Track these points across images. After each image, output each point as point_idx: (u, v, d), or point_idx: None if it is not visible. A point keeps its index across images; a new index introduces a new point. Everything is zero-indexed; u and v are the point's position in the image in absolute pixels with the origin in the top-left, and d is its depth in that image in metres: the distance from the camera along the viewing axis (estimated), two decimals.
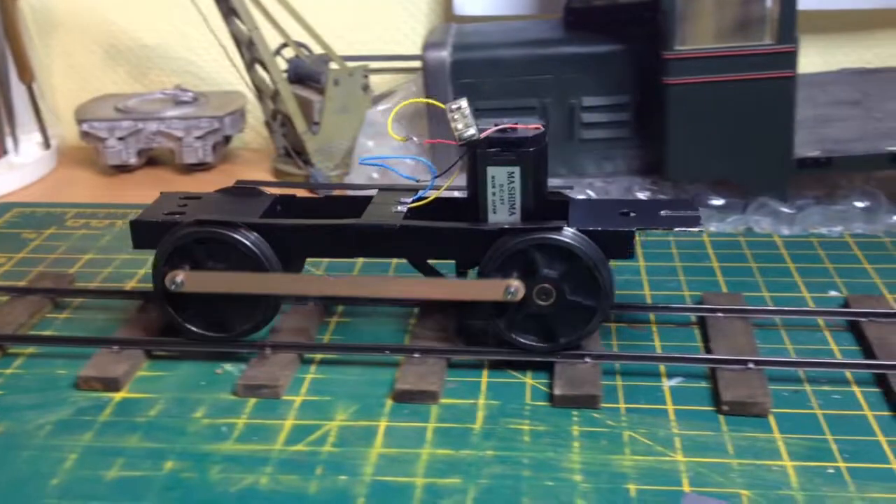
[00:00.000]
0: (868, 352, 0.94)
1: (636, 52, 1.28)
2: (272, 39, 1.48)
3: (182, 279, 0.94)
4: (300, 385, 0.92)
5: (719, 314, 1.00)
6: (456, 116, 0.89)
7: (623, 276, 1.14)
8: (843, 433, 0.83)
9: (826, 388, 0.90)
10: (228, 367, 0.95)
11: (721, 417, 0.86)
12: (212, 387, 0.92)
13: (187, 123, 1.53)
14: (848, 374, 0.91)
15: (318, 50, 1.52)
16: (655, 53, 1.22)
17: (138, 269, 1.18)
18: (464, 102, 0.89)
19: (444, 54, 1.33)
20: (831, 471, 0.78)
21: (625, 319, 1.03)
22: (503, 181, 0.92)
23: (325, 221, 0.96)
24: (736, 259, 1.17)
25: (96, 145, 1.54)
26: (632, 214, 0.95)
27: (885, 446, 0.81)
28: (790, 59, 1.18)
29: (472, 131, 0.90)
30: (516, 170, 0.91)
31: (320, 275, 0.96)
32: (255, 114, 1.61)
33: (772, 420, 0.85)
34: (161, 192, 1.05)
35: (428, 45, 1.34)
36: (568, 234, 0.91)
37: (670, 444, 0.83)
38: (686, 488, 0.77)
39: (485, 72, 1.32)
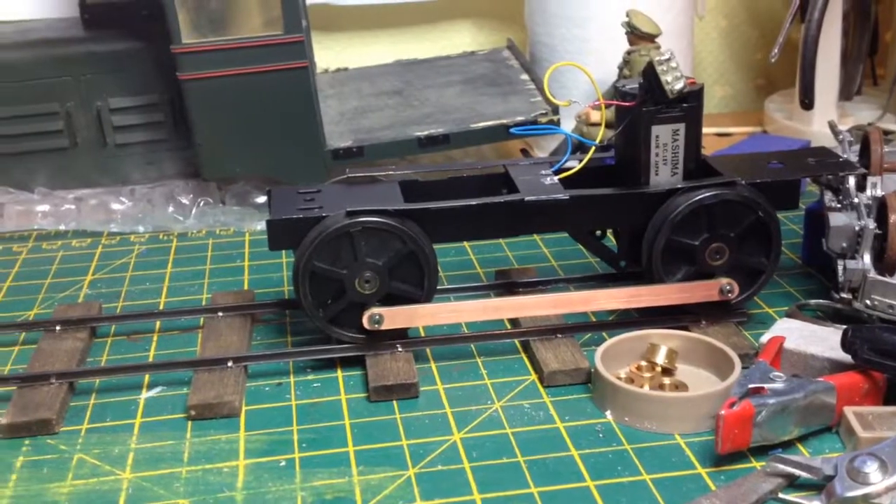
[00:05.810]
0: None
1: (157, 49, 1.21)
2: None
3: (380, 315, 0.85)
4: None
5: (220, 314, 0.96)
6: (665, 69, 0.84)
7: (142, 286, 1.07)
8: (310, 422, 0.81)
9: (311, 377, 0.88)
10: None
11: (189, 423, 0.81)
12: None
13: None
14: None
15: None
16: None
17: None
18: (671, 53, 0.85)
19: None
20: (283, 463, 0.75)
21: (125, 332, 0.96)
22: (667, 140, 0.88)
23: (486, 200, 0.88)
24: (273, 256, 1.14)
25: None
26: (781, 165, 0.93)
27: (348, 430, 0.79)
28: (299, 49, 1.16)
29: (682, 84, 0.85)
30: (681, 127, 0.87)
31: (533, 296, 0.94)
32: None
33: (242, 419, 0.81)
34: (269, 189, 0.93)
35: None
36: (743, 188, 0.87)
37: (122, 461, 0.76)
38: None
39: None
